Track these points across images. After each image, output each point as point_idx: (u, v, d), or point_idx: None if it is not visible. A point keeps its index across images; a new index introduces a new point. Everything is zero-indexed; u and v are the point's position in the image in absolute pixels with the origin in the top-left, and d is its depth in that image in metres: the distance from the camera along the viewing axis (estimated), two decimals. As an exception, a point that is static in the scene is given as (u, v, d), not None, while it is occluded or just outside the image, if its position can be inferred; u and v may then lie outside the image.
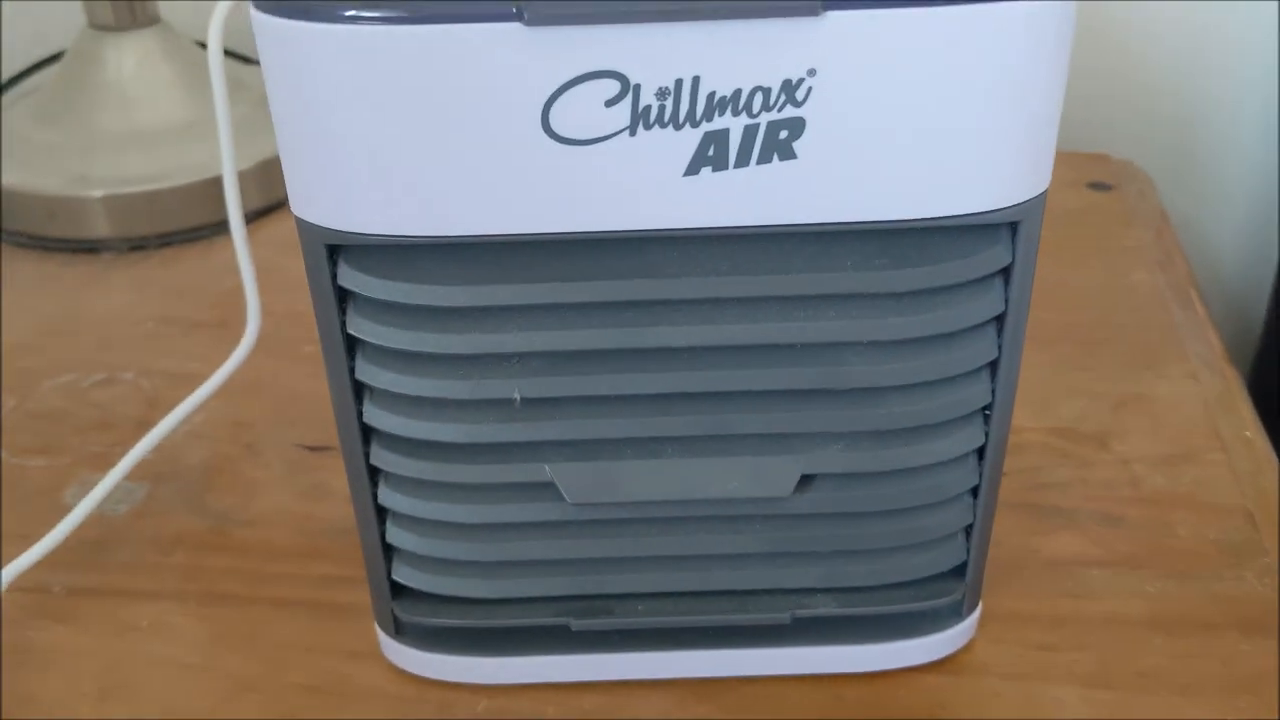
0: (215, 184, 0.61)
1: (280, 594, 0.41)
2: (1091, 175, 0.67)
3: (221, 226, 0.62)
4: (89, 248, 0.63)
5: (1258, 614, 0.39)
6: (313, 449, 0.48)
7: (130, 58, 0.66)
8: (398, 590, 0.36)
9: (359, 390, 0.32)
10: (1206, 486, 0.44)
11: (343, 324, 0.31)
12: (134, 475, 0.45)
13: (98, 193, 0.62)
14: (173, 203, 0.63)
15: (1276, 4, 0.70)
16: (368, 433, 0.33)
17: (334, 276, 0.30)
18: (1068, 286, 0.57)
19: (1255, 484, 0.45)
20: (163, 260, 0.63)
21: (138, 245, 0.63)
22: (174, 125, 0.65)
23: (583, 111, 0.26)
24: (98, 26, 0.66)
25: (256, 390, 0.51)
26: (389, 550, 0.36)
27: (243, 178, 0.58)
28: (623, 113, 0.27)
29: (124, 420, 0.50)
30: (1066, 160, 0.68)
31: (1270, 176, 0.73)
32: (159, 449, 0.46)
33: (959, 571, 0.36)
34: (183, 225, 0.63)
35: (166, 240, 0.64)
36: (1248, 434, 0.47)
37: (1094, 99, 0.72)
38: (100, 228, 0.63)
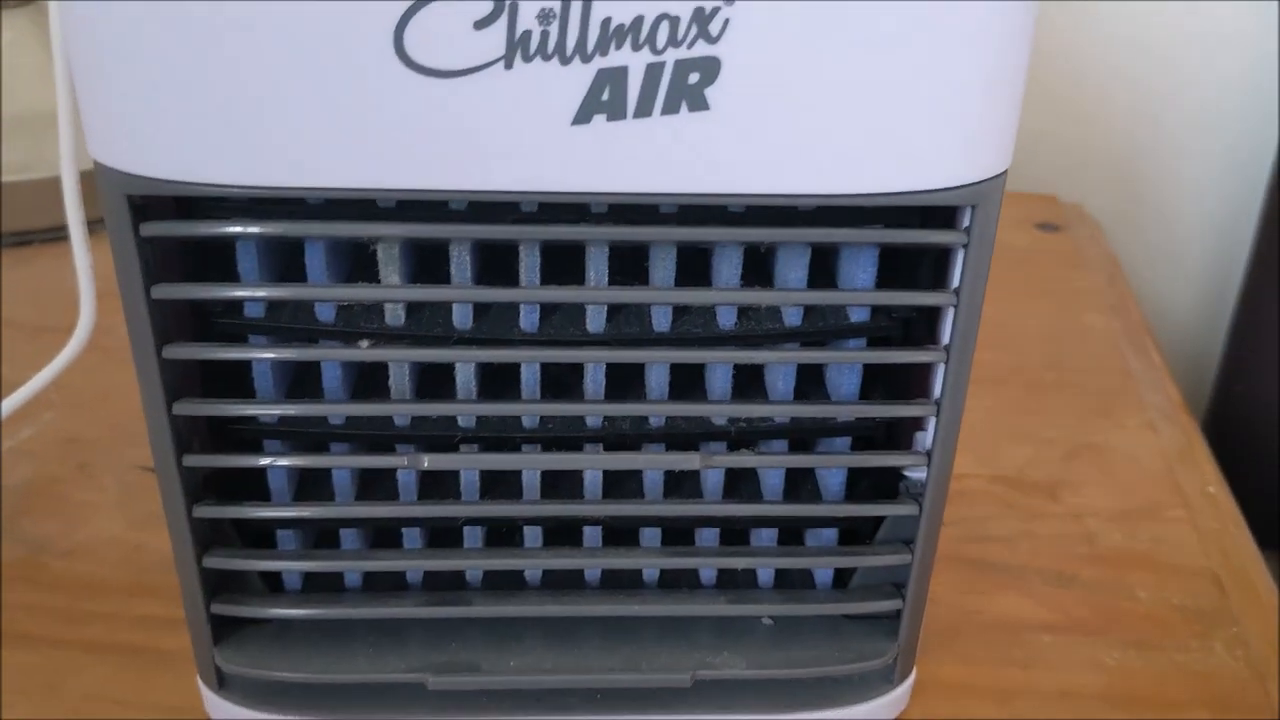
0: (84, 179, 0.54)
1: (94, 636, 0.36)
2: (1039, 216, 0.64)
3: (92, 227, 0.56)
4: (-62, 243, 0.58)
5: (1228, 690, 0.35)
6: (154, 471, 0.42)
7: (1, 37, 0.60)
8: (222, 629, 0.30)
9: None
10: (1168, 545, 0.41)
11: (148, 291, 0.26)
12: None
13: (-50, 183, 0.57)
14: (32, 197, 0.56)
15: (1235, 51, 0.67)
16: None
17: (137, 231, 0.26)
18: (1015, 326, 0.54)
19: (1220, 544, 0.41)
20: (20, 259, 0.58)
21: (-10, 243, 0.58)
22: (44, 113, 0.59)
23: (446, 34, 0.22)
24: (-34, 3, 0.60)
25: (98, 405, 0.46)
26: (209, 579, 0.30)
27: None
28: (496, 38, 0.22)
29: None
30: (1013, 199, 0.65)
31: (1224, 227, 0.71)
32: (-24, 467, 0.42)
33: (890, 630, 0.32)
34: (41, 224, 0.57)
35: (24, 239, 0.57)
36: (1211, 489, 0.44)
37: (1042, 140, 0.69)
38: (-49, 221, 0.57)
